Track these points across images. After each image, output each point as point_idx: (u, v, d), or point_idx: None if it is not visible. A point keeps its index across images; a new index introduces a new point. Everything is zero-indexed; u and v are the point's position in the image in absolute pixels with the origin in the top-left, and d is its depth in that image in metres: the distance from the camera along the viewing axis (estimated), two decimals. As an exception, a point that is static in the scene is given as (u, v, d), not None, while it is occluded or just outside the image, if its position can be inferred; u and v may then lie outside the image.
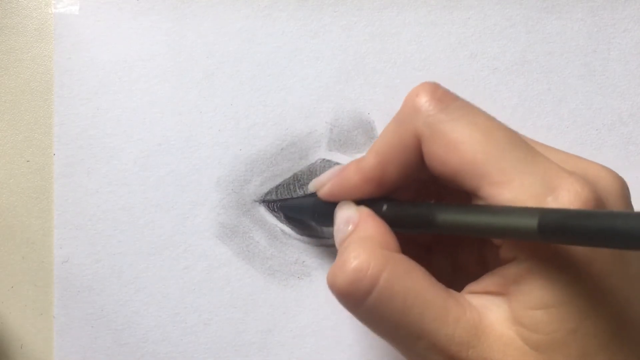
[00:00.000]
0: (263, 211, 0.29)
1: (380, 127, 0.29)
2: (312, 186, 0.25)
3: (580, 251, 0.18)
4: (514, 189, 0.19)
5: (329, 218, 0.24)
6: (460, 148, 0.20)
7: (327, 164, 0.29)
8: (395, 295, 0.19)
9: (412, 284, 0.20)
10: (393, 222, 0.22)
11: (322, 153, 0.29)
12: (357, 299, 0.20)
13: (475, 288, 0.21)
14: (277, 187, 0.29)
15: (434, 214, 0.21)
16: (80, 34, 0.29)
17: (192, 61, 0.29)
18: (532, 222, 0.17)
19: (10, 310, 0.29)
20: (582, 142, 0.29)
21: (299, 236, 0.29)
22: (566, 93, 0.29)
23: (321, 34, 0.29)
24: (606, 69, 0.29)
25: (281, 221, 0.29)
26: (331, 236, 0.29)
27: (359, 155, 0.29)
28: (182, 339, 0.29)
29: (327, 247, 0.29)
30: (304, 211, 0.27)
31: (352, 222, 0.22)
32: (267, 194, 0.29)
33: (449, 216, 0.20)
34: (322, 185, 0.24)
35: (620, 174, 0.20)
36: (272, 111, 0.29)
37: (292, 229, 0.29)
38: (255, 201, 0.29)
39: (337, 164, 0.29)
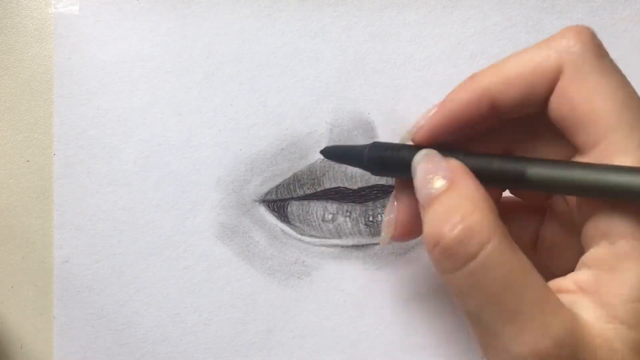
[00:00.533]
0: (263, 211, 0.29)
1: (380, 127, 0.29)
2: (407, 134, 0.22)
3: None
4: (636, 158, 0.18)
5: (395, 166, 0.22)
6: (597, 99, 0.19)
7: (327, 164, 0.29)
8: (500, 266, 0.18)
9: (517, 260, 0.18)
10: (478, 177, 0.20)
11: (322, 153, 0.29)
12: (460, 261, 0.18)
13: (559, 286, 0.19)
14: (277, 187, 0.29)
15: (525, 167, 0.19)
16: (80, 34, 0.29)
17: (192, 61, 0.29)
18: None
19: (10, 310, 0.29)
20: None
21: (299, 236, 0.29)
22: (566, 93, 0.29)
23: (321, 34, 0.29)
24: (606, 69, 0.29)
25: (281, 221, 0.29)
26: (333, 236, 0.29)
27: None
28: (182, 339, 0.29)
29: (327, 247, 0.29)
30: (358, 154, 0.24)
31: (444, 176, 0.20)
32: (267, 194, 0.29)
33: (544, 170, 0.19)
34: (420, 127, 0.22)
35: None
36: (272, 111, 0.29)
37: (292, 229, 0.29)
38: (255, 201, 0.29)
39: (338, 164, 0.29)
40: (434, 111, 0.21)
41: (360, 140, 0.29)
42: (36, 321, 0.29)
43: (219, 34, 0.29)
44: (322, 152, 0.26)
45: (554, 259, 0.20)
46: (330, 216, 0.29)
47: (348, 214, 0.29)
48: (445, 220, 0.18)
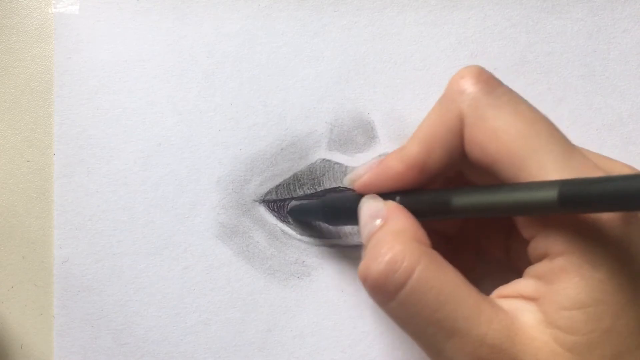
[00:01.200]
0: (263, 211, 0.29)
1: (380, 127, 0.29)
2: (347, 180, 0.24)
3: (612, 245, 0.18)
4: (558, 175, 0.18)
5: (345, 216, 0.24)
6: (501, 136, 0.19)
7: (327, 164, 0.29)
8: (429, 290, 0.19)
9: (446, 280, 0.19)
10: (411, 212, 0.22)
11: (322, 153, 0.29)
12: (390, 292, 0.19)
13: (505, 292, 0.20)
14: (277, 187, 0.29)
15: (449, 198, 0.20)
16: (80, 34, 0.29)
17: (192, 61, 0.29)
18: (552, 194, 0.17)
19: (10, 310, 0.29)
20: (582, 142, 0.29)
21: (299, 236, 0.29)
22: (566, 93, 0.29)
23: (321, 34, 0.29)
24: (606, 69, 0.29)
25: (281, 221, 0.29)
26: (333, 236, 0.29)
27: (359, 155, 0.29)
28: (182, 339, 0.29)
29: (327, 247, 0.29)
30: (315, 211, 0.27)
31: (380, 215, 0.21)
32: (267, 194, 0.29)
33: (465, 198, 0.20)
34: (359, 177, 0.23)
35: (621, 174, 0.20)
36: (272, 111, 0.29)
37: (292, 229, 0.29)
38: (255, 201, 0.29)
39: (338, 164, 0.29)
40: (370, 170, 0.23)
41: (361, 140, 0.29)
42: (36, 321, 0.29)
43: (219, 34, 0.29)
44: (288, 212, 0.28)
45: (523, 263, 0.21)
46: (330, 216, 0.29)
47: (348, 214, 0.29)
48: (372, 256, 0.20)
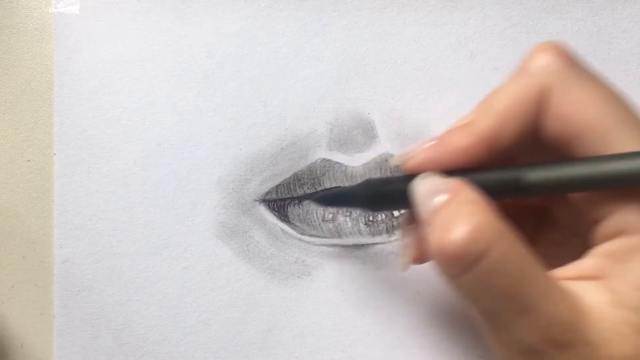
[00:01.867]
0: (263, 211, 0.29)
1: (380, 127, 0.29)
2: (395, 160, 0.22)
3: None
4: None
5: (393, 199, 0.22)
6: (588, 108, 0.19)
7: (327, 164, 0.29)
8: (508, 265, 0.18)
9: (523, 256, 0.18)
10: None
11: (322, 153, 0.29)
12: (467, 264, 0.18)
13: (565, 274, 0.20)
14: (277, 187, 0.29)
15: (523, 174, 0.19)
16: (80, 34, 0.29)
17: (192, 61, 0.29)
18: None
19: (10, 310, 0.29)
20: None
21: (299, 236, 0.29)
22: (566, 93, 0.29)
23: (321, 34, 0.29)
24: (606, 69, 0.29)
25: (281, 221, 0.29)
26: (333, 236, 0.29)
27: (359, 155, 0.29)
28: (182, 339, 0.29)
29: (327, 246, 0.29)
30: (353, 197, 0.24)
31: (445, 191, 0.20)
32: (267, 193, 0.29)
33: (542, 173, 0.19)
34: (411, 157, 0.22)
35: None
36: (272, 111, 0.29)
37: (292, 228, 0.29)
38: (256, 201, 0.29)
39: (338, 163, 0.29)
40: (428, 146, 0.21)
41: (361, 140, 0.29)
42: (36, 321, 0.29)
43: (219, 34, 0.29)
44: (315, 200, 0.26)
45: (551, 257, 0.20)
46: (330, 216, 0.29)
47: (348, 213, 0.29)
48: (448, 226, 0.19)
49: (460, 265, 0.18)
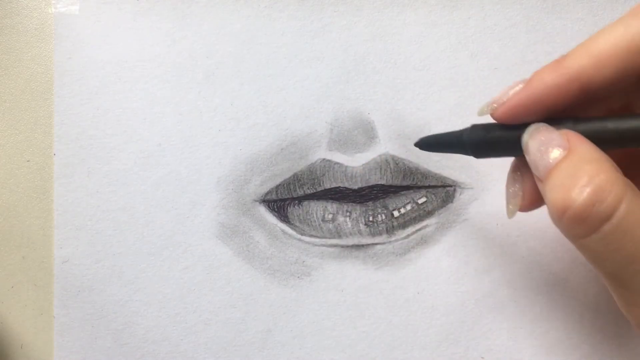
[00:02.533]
0: (263, 211, 0.29)
1: (380, 127, 0.29)
2: (483, 109, 0.22)
3: None
4: None
5: (502, 147, 0.22)
6: None
7: (327, 164, 0.29)
8: (635, 224, 0.17)
9: None
10: (595, 142, 0.19)
11: (322, 153, 0.29)
12: (594, 224, 0.18)
13: None
14: (277, 187, 0.29)
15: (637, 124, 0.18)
16: (80, 34, 0.29)
17: (192, 61, 0.29)
18: None
19: (10, 310, 0.29)
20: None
21: (299, 236, 0.29)
22: (566, 93, 0.29)
23: (321, 34, 0.29)
24: (606, 69, 0.29)
25: (281, 221, 0.29)
26: (333, 236, 0.29)
27: (359, 155, 0.29)
28: (182, 339, 0.29)
29: (327, 247, 0.29)
30: (460, 143, 0.23)
31: (560, 145, 0.19)
32: (267, 194, 0.29)
33: None
34: (500, 103, 0.21)
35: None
36: (272, 111, 0.29)
37: (292, 228, 0.29)
38: (255, 201, 0.29)
39: (338, 164, 0.29)
40: (516, 89, 0.20)
41: (361, 140, 0.29)
42: (36, 321, 0.29)
43: (219, 34, 0.29)
44: (416, 144, 0.25)
45: None
46: (330, 216, 0.29)
47: (348, 214, 0.29)
48: (570, 185, 0.18)
49: (585, 227, 0.18)
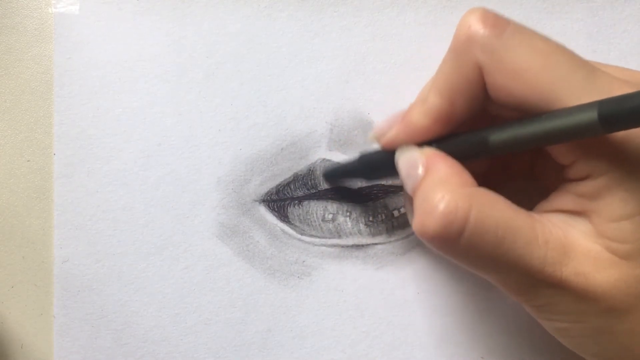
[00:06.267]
0: (263, 211, 0.29)
1: (380, 127, 0.29)
2: (372, 136, 0.25)
3: None
4: (590, 96, 0.19)
5: (384, 169, 0.24)
6: (524, 76, 0.19)
7: (327, 164, 0.29)
8: (487, 229, 0.20)
9: (500, 214, 0.20)
10: (454, 156, 0.22)
11: (322, 153, 0.29)
12: (451, 241, 0.20)
13: (547, 207, 0.21)
14: (277, 187, 0.29)
15: (487, 136, 0.20)
16: (80, 34, 0.29)
17: (192, 61, 0.29)
18: (592, 115, 0.17)
19: (10, 310, 0.29)
20: (582, 142, 0.29)
21: (299, 236, 0.29)
22: (566, 93, 0.29)
23: (321, 34, 0.29)
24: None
25: (281, 221, 0.29)
26: (333, 236, 0.29)
27: (359, 155, 0.29)
28: (182, 339, 0.29)
29: (327, 247, 0.29)
30: (352, 170, 0.27)
31: (421, 164, 0.22)
32: (267, 193, 0.29)
33: (503, 134, 0.20)
34: (383, 133, 0.24)
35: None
36: (272, 111, 0.29)
37: (292, 228, 0.29)
38: (255, 201, 0.29)
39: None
40: (396, 128, 0.23)
41: (361, 140, 0.29)
42: (36, 321, 0.29)
43: (219, 34, 0.29)
44: (323, 177, 0.28)
45: (550, 180, 0.22)
46: (330, 216, 0.29)
47: (348, 214, 0.29)
48: (425, 210, 0.20)
49: (444, 245, 0.20)
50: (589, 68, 0.20)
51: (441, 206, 0.20)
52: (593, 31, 0.29)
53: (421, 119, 0.22)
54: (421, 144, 0.22)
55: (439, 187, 0.20)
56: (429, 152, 0.22)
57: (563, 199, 0.21)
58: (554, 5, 0.29)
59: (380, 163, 0.25)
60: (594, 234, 0.20)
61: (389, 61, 0.29)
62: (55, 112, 0.29)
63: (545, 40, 0.20)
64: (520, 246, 0.20)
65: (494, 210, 0.20)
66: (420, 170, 0.21)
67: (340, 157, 0.29)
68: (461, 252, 0.20)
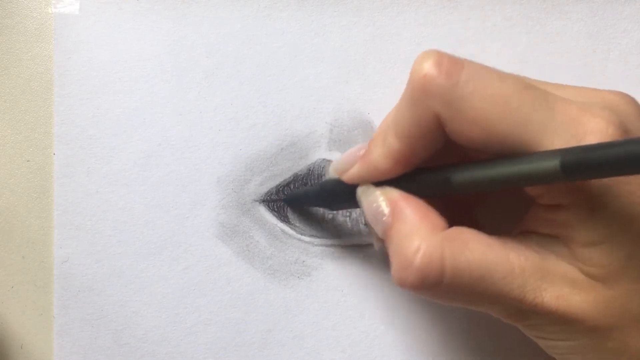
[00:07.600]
0: (263, 211, 0.29)
1: (380, 127, 0.29)
2: (332, 170, 0.25)
3: (618, 187, 0.19)
4: (546, 148, 0.19)
5: (346, 201, 0.24)
6: (483, 124, 0.20)
7: (327, 164, 0.29)
8: (462, 273, 0.20)
9: (473, 256, 0.20)
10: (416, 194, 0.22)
11: (322, 153, 0.29)
12: (432, 289, 0.20)
13: (525, 227, 0.22)
14: (277, 187, 0.29)
15: (449, 176, 0.20)
16: (80, 34, 0.29)
17: (192, 61, 0.29)
18: (554, 163, 0.17)
19: (10, 310, 0.29)
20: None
21: (299, 236, 0.29)
22: (566, 93, 0.29)
23: (321, 34, 0.29)
24: (606, 69, 0.29)
25: (281, 221, 0.29)
26: (333, 236, 0.29)
27: (359, 155, 0.29)
28: (182, 339, 0.29)
29: (327, 247, 0.29)
30: (314, 197, 0.27)
31: (387, 210, 0.22)
32: (267, 193, 0.29)
33: (465, 175, 0.20)
34: (345, 169, 0.24)
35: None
36: (272, 111, 0.29)
37: (292, 228, 0.29)
38: (255, 201, 0.29)
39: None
40: (357, 166, 0.23)
41: (360, 140, 0.29)
42: (36, 321, 0.29)
43: (219, 34, 0.29)
44: (284, 202, 0.29)
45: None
46: (330, 216, 0.29)
47: (348, 214, 0.29)
48: (401, 265, 0.20)
49: (426, 293, 0.21)
50: (547, 104, 0.19)
51: (416, 261, 0.20)
52: (593, 31, 0.29)
53: (382, 161, 0.22)
54: (384, 182, 0.22)
55: (409, 237, 0.21)
56: (394, 195, 0.22)
57: (537, 222, 0.21)
58: (554, 5, 0.29)
59: (342, 195, 0.24)
60: (569, 256, 0.20)
61: (389, 61, 0.29)
62: (55, 112, 0.29)
63: (501, 80, 0.20)
64: (498, 280, 0.20)
65: (466, 252, 0.20)
66: (387, 217, 0.22)
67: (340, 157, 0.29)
68: (442, 296, 0.21)
